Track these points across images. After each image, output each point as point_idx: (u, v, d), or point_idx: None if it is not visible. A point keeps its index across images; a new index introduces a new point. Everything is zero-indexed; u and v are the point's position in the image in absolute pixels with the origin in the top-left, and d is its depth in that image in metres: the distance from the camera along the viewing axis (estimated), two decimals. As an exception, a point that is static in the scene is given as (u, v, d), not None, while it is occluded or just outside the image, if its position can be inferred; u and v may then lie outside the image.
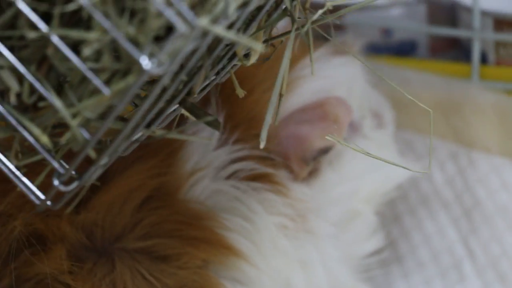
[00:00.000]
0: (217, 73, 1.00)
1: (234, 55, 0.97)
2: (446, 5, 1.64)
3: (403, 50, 1.63)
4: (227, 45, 0.95)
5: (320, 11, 0.97)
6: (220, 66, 0.97)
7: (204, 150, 1.21)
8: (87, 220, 1.14)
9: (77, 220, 1.10)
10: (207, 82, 0.99)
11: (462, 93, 1.49)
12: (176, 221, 1.17)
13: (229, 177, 1.21)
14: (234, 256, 1.19)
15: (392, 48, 1.62)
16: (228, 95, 1.14)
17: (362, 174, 1.29)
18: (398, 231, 1.39)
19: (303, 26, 0.98)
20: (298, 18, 1.00)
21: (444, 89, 1.50)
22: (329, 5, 0.95)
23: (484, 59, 1.54)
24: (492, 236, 1.46)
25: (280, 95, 0.98)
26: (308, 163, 1.23)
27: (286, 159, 1.22)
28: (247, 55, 0.98)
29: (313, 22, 0.99)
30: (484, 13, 1.52)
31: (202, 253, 1.17)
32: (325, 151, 1.24)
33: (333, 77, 1.26)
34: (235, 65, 1.01)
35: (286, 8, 0.98)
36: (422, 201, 1.50)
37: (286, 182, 1.22)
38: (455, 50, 1.65)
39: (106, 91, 0.82)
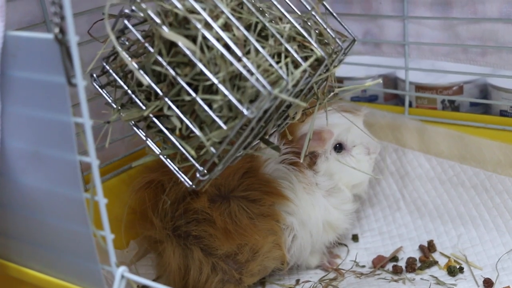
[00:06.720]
0: (278, 126, 0.92)
1: (287, 116, 0.89)
2: (392, 78, 1.56)
3: (371, 99, 1.55)
4: (283, 110, 0.86)
5: (331, 94, 0.89)
6: (279, 122, 0.89)
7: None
8: (217, 182, 1.08)
9: (212, 183, 1.04)
10: (274, 130, 0.91)
11: (400, 120, 1.39)
12: (259, 183, 1.10)
13: (281, 162, 1.13)
14: (286, 200, 1.12)
15: (366, 99, 1.54)
16: (282, 134, 1.08)
17: (341, 172, 1.18)
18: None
19: (323, 100, 0.91)
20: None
21: (391, 118, 1.40)
22: (336, 91, 0.91)
23: (410, 105, 1.45)
24: (413, 188, 1.36)
25: (309, 139, 0.93)
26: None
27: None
28: (293, 117, 0.90)
29: (328, 100, 0.94)
30: (411, 82, 1.45)
31: (272, 198, 1.11)
32: (312, 152, 1.15)
33: (332, 121, 1.16)
34: (287, 122, 0.94)
35: (314, 92, 0.92)
36: (379, 171, 1.41)
37: (303, 167, 1.15)
38: (396, 100, 1.56)
39: (224, 127, 0.77)
